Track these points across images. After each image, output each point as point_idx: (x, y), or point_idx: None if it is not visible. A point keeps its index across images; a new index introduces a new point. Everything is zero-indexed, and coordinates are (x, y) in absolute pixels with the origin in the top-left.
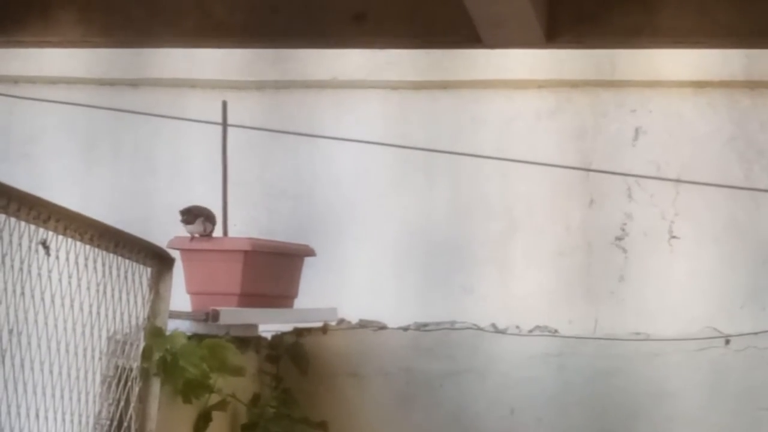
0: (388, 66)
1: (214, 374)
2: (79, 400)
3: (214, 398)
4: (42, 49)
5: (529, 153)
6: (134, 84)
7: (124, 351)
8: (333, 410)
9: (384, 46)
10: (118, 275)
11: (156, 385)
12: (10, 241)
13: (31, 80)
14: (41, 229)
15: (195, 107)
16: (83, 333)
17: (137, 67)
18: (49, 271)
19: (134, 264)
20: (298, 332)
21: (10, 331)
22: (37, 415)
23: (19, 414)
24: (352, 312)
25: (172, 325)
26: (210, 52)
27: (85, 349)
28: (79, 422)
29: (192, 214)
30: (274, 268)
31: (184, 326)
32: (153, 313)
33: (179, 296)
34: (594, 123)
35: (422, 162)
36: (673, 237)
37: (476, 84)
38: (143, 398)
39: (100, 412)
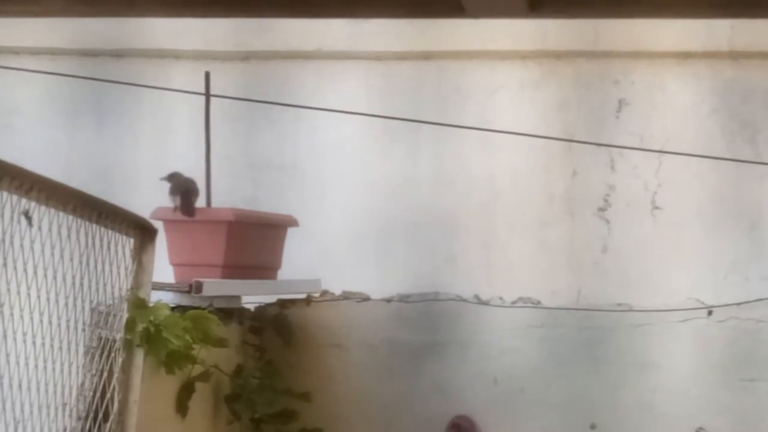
0: (372, 36)
1: (197, 345)
2: (62, 371)
3: (197, 369)
4: (25, 19)
5: (513, 124)
6: (118, 54)
7: (107, 322)
8: (316, 381)
9: (368, 16)
10: (101, 246)
11: (139, 356)
12: None
13: (14, 51)
14: (23, 200)
15: (179, 78)
16: (66, 304)
17: (121, 38)
18: (32, 242)
19: (117, 235)
20: (282, 303)
21: None
22: (20, 386)
23: (1, 384)
24: (336, 283)
25: (155, 297)
26: (194, 22)
27: (68, 321)
28: (62, 393)
29: (171, 187)
30: (257, 239)
31: (167, 297)
32: (136, 284)
33: (162, 267)
34: (577, 94)
35: (406, 133)
36: (656, 208)
37: (460, 54)
38: (126, 369)
39: (83, 383)
